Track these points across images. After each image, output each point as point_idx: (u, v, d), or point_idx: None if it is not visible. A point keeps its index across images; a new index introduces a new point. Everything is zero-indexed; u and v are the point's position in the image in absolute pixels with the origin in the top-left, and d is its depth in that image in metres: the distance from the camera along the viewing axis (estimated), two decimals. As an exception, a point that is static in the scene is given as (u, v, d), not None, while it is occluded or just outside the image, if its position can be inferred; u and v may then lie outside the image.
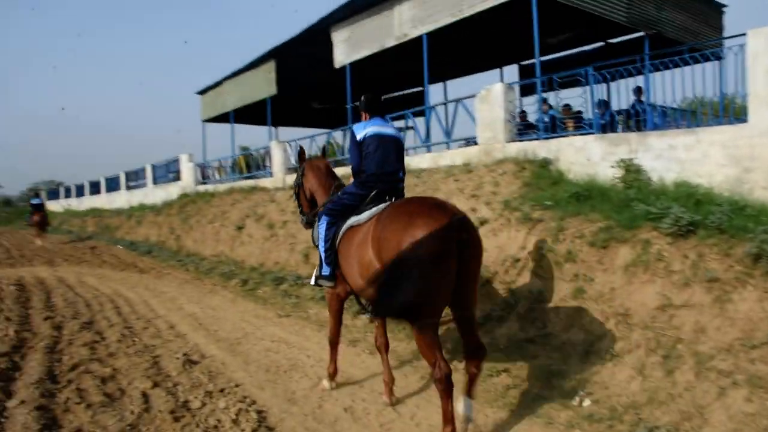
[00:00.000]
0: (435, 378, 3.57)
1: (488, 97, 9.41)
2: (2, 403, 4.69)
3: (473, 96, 9.92)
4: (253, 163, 18.70)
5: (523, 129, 9.59)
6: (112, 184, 30.02)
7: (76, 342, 6.68)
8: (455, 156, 9.96)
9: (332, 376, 5.11)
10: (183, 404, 4.68)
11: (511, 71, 18.56)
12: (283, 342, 6.62)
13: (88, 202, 33.52)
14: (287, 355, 6.14)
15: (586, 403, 4.47)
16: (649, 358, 4.61)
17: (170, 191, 21.77)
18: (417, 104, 15.45)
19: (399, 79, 19.08)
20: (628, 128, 8.97)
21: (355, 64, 14.94)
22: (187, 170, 21.40)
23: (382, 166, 4.71)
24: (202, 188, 19.81)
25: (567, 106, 10.40)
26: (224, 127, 22.83)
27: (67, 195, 39.58)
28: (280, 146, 15.97)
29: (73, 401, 4.76)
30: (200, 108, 23.26)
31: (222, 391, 4.99)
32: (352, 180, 4.97)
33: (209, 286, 10.87)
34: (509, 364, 5.29)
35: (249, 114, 21.33)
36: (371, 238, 4.11)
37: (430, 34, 12.37)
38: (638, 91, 10.82)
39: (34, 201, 24.02)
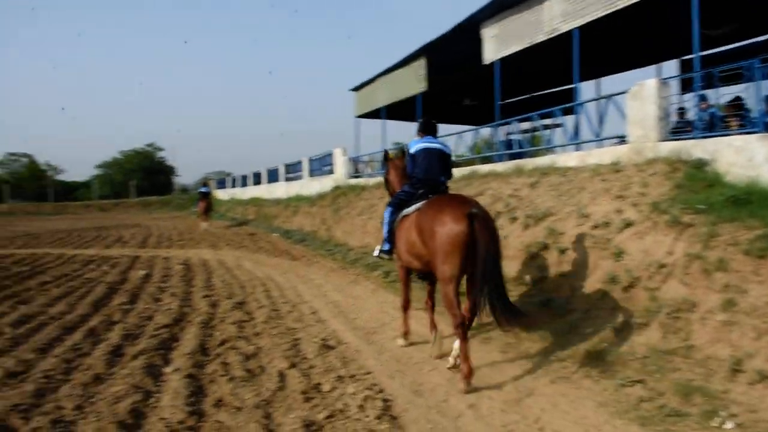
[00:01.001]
0: (454, 324, 5.06)
1: (640, 94, 8.91)
2: (160, 369, 5.43)
3: (624, 92, 9.44)
4: (402, 159, 19.11)
5: (679, 127, 8.97)
6: (273, 176, 32.23)
7: (228, 320, 7.46)
8: (603, 154, 9.55)
9: (405, 335, 6.51)
10: (315, 386, 5.03)
11: (671, 67, 17.34)
12: (417, 334, 6.80)
13: (251, 191, 36.27)
14: (420, 348, 6.32)
15: (729, 425, 4.15)
16: (808, 384, 4.20)
17: (324, 183, 22.92)
18: (566, 102, 14.95)
19: (549, 75, 18.61)
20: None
21: (504, 61, 14.82)
22: (340, 164, 22.42)
23: (427, 172, 6.17)
24: (353, 181, 20.59)
25: (734, 101, 9.54)
26: (376, 123, 23.59)
27: (234, 185, 43.12)
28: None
29: (218, 373, 5.35)
30: (354, 104, 24.24)
31: (353, 377, 5.28)
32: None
33: (353, 276, 11.34)
34: (645, 375, 5.03)
35: (399, 110, 21.89)
36: (415, 225, 5.61)
37: (582, 29, 11.95)
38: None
39: (202, 189, 26.90)
